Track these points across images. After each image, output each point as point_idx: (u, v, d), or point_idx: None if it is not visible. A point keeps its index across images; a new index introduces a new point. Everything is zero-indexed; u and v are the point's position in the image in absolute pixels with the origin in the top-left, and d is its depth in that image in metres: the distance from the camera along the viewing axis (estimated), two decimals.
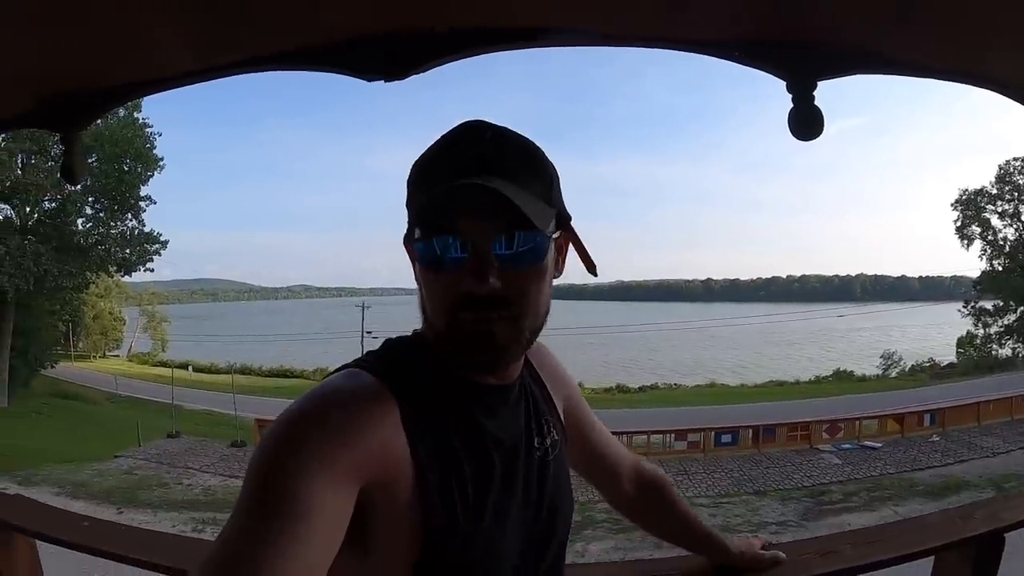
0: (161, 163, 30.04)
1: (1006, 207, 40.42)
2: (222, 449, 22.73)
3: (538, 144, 0.91)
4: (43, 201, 28.43)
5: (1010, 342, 42.19)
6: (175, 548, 1.88)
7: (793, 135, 1.29)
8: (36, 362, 31.21)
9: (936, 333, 67.06)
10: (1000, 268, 40.97)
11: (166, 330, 78.54)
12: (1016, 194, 40.03)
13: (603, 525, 12.80)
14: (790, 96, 1.28)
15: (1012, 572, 1.86)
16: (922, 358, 48.88)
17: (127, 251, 30.02)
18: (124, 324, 72.05)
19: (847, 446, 20.40)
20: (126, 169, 28.58)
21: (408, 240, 0.90)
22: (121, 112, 26.58)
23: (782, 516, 14.68)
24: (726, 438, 21.18)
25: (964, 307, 44.20)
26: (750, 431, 21.44)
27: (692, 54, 1.34)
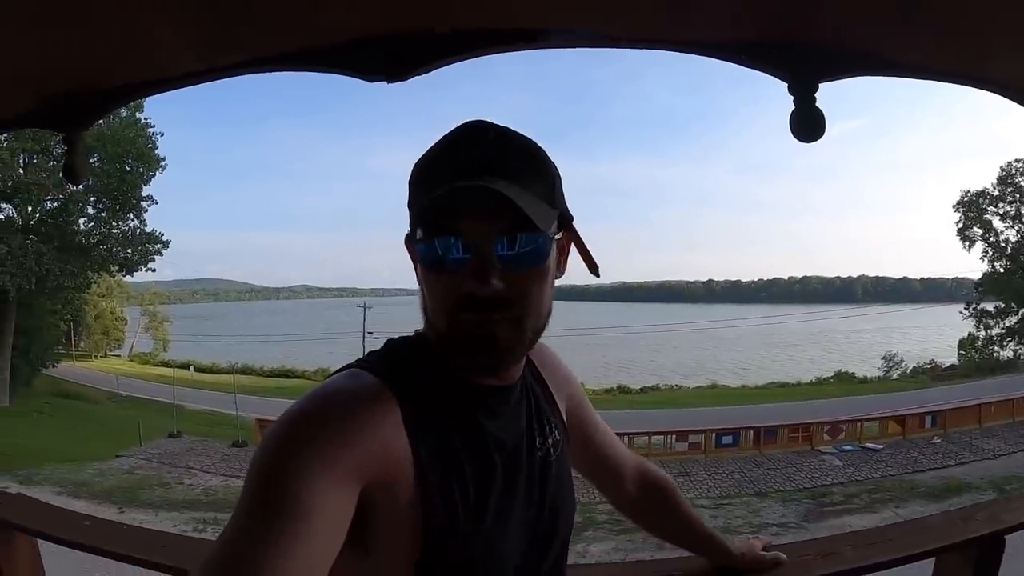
0: (163, 163, 30.11)
1: (1008, 209, 40.37)
2: (223, 449, 22.74)
3: (539, 145, 0.91)
4: (45, 201, 28.46)
5: (1011, 344, 42.11)
6: (176, 548, 1.88)
7: (795, 137, 1.29)
8: (38, 361, 31.27)
9: (937, 335, 67.02)
10: (1002, 270, 40.91)
11: (167, 330, 78.61)
12: (1018, 196, 39.98)
13: (604, 526, 12.80)
14: (792, 98, 1.28)
15: (1013, 574, 1.86)
16: (923, 360, 48.78)
17: (129, 251, 30.05)
18: (126, 324, 72.14)
19: (848, 448, 20.39)
20: (128, 169, 28.62)
21: (410, 241, 0.90)
22: (123, 112, 26.62)
23: (783, 517, 14.67)
24: (727, 439, 21.18)
25: (965, 309, 44.11)
26: (751, 432, 21.44)
27: (693, 56, 1.34)
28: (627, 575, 2.25)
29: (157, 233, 30.91)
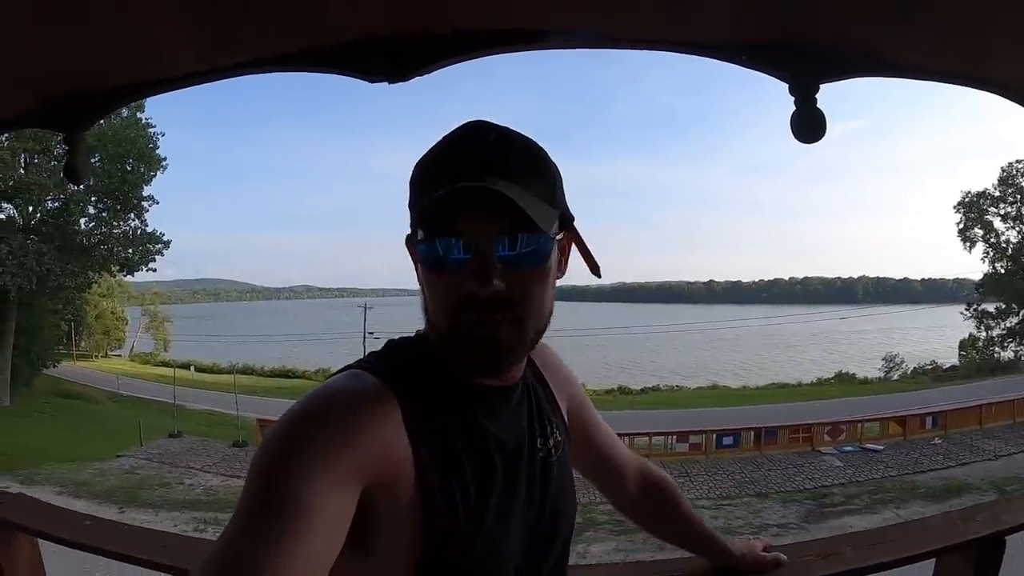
0: (164, 163, 30.14)
1: (1009, 210, 40.35)
2: (224, 449, 22.75)
3: (540, 145, 0.91)
4: (46, 200, 28.49)
5: (1012, 345, 42.10)
6: (177, 547, 1.88)
7: (796, 138, 1.29)
8: (38, 361, 31.31)
9: (938, 336, 67.04)
10: (1003, 271, 40.90)
11: (168, 330, 78.59)
12: (1019, 197, 39.95)
13: (604, 526, 12.80)
14: (792, 99, 1.28)
15: (1013, 575, 1.86)
16: (924, 361, 48.76)
17: (130, 251, 30.07)
18: (126, 324, 72.17)
19: (849, 448, 20.38)
20: (129, 169, 28.65)
21: (411, 241, 0.90)
22: (124, 112, 26.64)
23: (783, 518, 14.66)
24: (728, 440, 21.18)
25: (966, 310, 44.10)
26: (752, 433, 21.44)
27: (694, 57, 1.34)
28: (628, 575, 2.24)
29: (158, 233, 30.97)
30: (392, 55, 1.26)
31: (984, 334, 43.26)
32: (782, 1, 1.17)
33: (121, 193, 28.68)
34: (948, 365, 46.21)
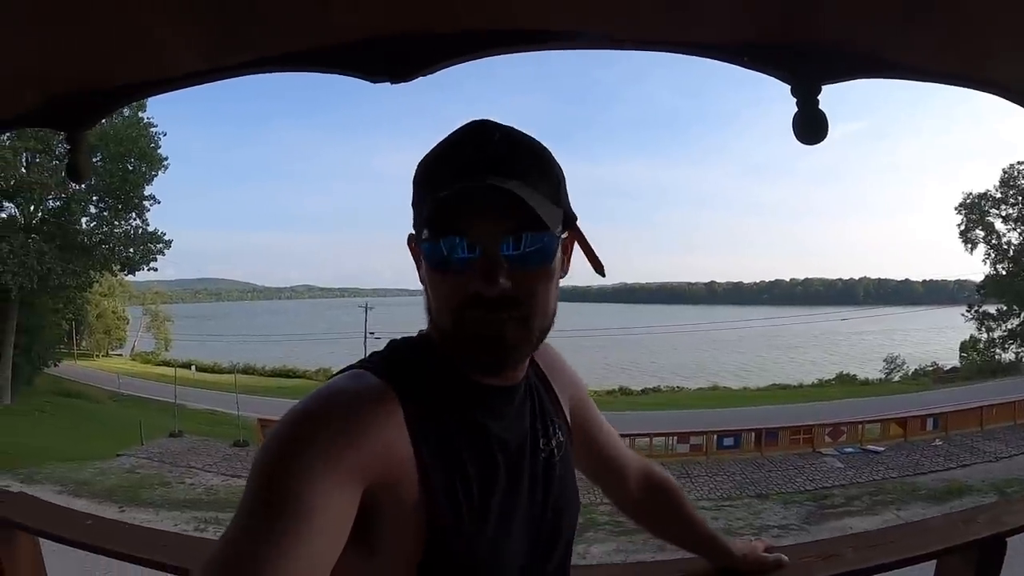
0: (165, 162, 30.22)
1: (1010, 211, 40.36)
2: (224, 448, 22.78)
3: (544, 145, 0.91)
4: (47, 200, 28.56)
5: (1013, 346, 42.09)
6: (178, 547, 1.88)
7: (797, 139, 1.29)
8: (39, 360, 31.35)
9: (939, 337, 66.89)
10: (1004, 272, 40.92)
11: (169, 329, 78.65)
12: (1020, 198, 39.95)
13: (605, 527, 12.81)
14: (794, 100, 1.28)
15: None
16: (925, 362, 48.73)
17: (131, 250, 30.15)
18: (127, 323, 72.23)
19: (850, 450, 20.38)
20: (130, 168, 28.74)
21: (415, 240, 0.90)
22: (126, 111, 26.71)
23: (784, 519, 14.66)
24: (728, 441, 21.20)
25: (967, 311, 44.08)
26: (752, 434, 21.46)
27: (696, 58, 1.34)
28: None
29: (159, 232, 31.07)
30: (395, 55, 1.26)
31: (985, 336, 43.25)
32: (784, 2, 1.17)
33: (122, 192, 28.77)
34: (949, 367, 46.20)
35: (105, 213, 29.77)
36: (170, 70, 1.40)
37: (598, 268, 0.96)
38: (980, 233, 41.29)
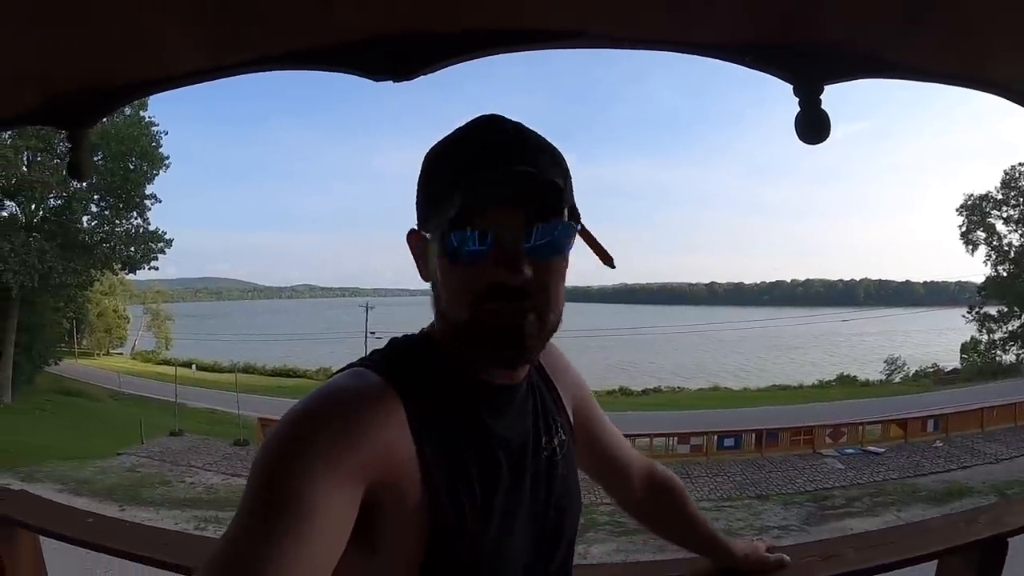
0: (167, 161, 30.19)
1: (1011, 212, 40.37)
2: (225, 447, 22.80)
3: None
4: (48, 198, 28.58)
5: (1014, 348, 42.12)
6: (178, 545, 1.88)
7: (800, 139, 1.28)
8: (40, 359, 31.36)
9: (940, 339, 66.91)
10: (1005, 274, 40.94)
11: (170, 328, 78.75)
12: (1021, 200, 39.95)
13: (605, 527, 12.81)
14: (796, 100, 1.28)
15: None
16: (926, 363, 48.75)
17: (132, 249, 30.18)
18: (128, 322, 72.32)
19: (850, 451, 20.38)
20: (132, 167, 28.77)
21: (423, 234, 0.89)
22: (127, 110, 26.74)
23: (784, 520, 14.66)
24: (729, 442, 21.20)
25: (968, 312, 44.10)
26: (753, 435, 21.47)
27: (698, 57, 1.34)
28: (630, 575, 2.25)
29: (160, 231, 31.06)
30: (397, 54, 1.26)
31: (986, 337, 43.30)
32: (784, 2, 1.17)
33: (124, 191, 28.80)
34: (950, 368, 46.25)
35: (106, 212, 29.80)
36: (172, 68, 1.39)
37: (607, 260, 0.94)
38: (981, 234, 41.33)
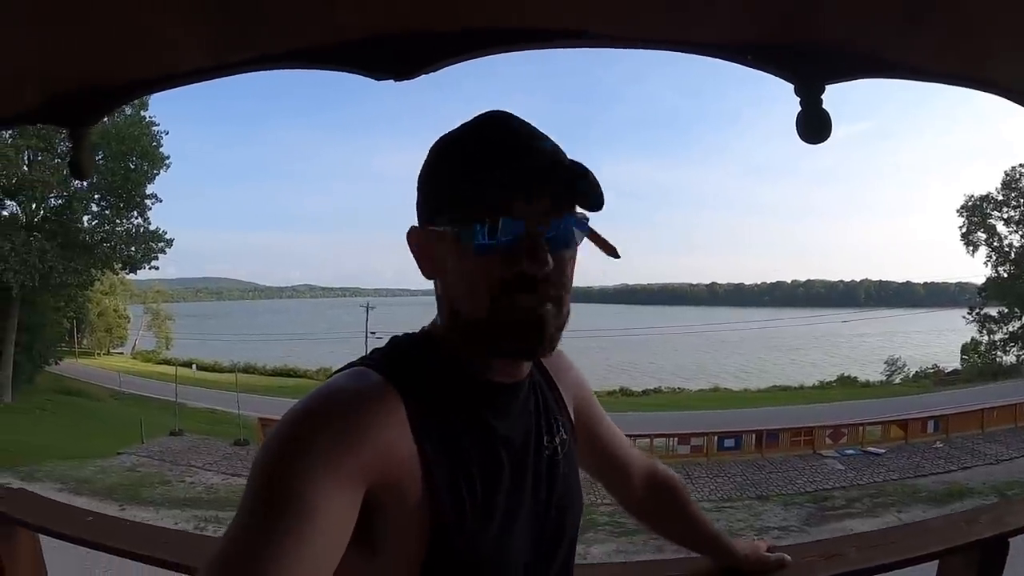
0: (167, 161, 30.21)
1: (1012, 213, 40.40)
2: (225, 447, 22.79)
3: None
4: (49, 198, 28.60)
5: (1015, 349, 42.15)
6: (179, 544, 1.87)
7: (801, 138, 1.29)
8: (40, 358, 31.39)
9: (940, 340, 66.86)
10: (1005, 275, 40.97)
11: (170, 328, 78.73)
12: (1022, 200, 39.96)
13: (605, 528, 12.81)
14: (798, 99, 1.28)
15: None
16: (926, 364, 48.77)
17: (132, 249, 30.22)
18: (129, 322, 72.35)
19: (851, 452, 20.38)
20: (132, 167, 28.80)
21: (434, 226, 0.87)
22: (128, 110, 26.78)
23: (784, 521, 14.66)
24: (729, 442, 21.20)
25: (969, 313, 44.13)
26: (753, 436, 21.46)
27: (699, 57, 1.34)
28: (631, 575, 2.25)
29: (161, 231, 31.09)
30: (399, 53, 1.26)
31: (986, 338, 43.34)
32: (787, 2, 1.17)
33: (124, 191, 28.83)
34: (950, 369, 46.29)
35: (107, 211, 29.84)
36: (174, 67, 1.39)
37: (612, 252, 0.94)
38: (982, 235, 41.37)
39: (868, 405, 31.26)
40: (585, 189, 0.82)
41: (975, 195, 41.55)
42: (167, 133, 29.99)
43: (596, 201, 0.83)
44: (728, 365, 62.44)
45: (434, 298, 0.94)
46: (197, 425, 27.19)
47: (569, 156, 0.88)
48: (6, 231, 25.70)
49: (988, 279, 42.18)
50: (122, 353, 68.89)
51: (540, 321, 0.83)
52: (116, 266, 31.75)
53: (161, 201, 31.04)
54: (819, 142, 1.28)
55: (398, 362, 0.88)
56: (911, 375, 47.78)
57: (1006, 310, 42.04)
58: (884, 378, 48.05)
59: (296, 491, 0.71)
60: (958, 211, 41.96)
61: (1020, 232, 40.31)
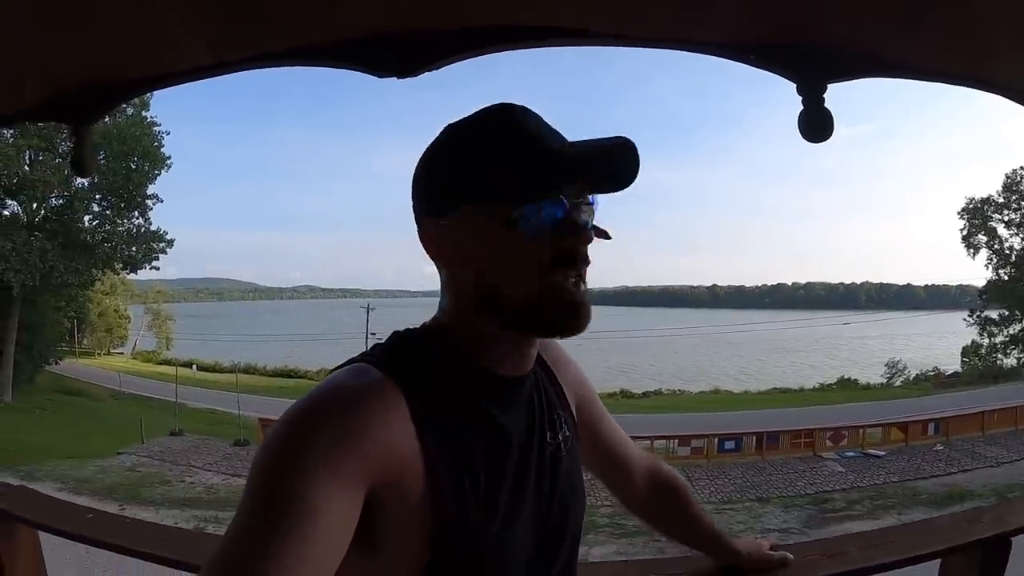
0: (168, 161, 30.22)
1: (1013, 216, 40.43)
2: (225, 448, 22.77)
3: None
4: (50, 197, 28.62)
5: (1015, 352, 42.10)
6: (179, 542, 1.87)
7: (803, 137, 1.29)
8: (41, 358, 31.37)
9: (941, 342, 66.82)
10: (1006, 277, 41.00)
11: (171, 328, 78.63)
12: (1023, 203, 39.97)
13: (605, 529, 12.79)
14: (800, 99, 1.28)
15: None
16: (927, 367, 48.76)
17: (133, 249, 30.22)
18: (129, 322, 72.30)
19: (851, 454, 20.35)
20: (133, 167, 28.80)
21: (473, 212, 0.86)
22: (129, 110, 26.82)
23: (785, 523, 14.63)
24: (729, 444, 21.18)
25: (969, 316, 44.13)
26: (754, 438, 21.44)
27: (701, 56, 1.35)
28: (633, 574, 2.24)
29: (162, 231, 31.10)
30: (401, 50, 1.27)
31: (987, 341, 43.33)
32: (788, 2, 1.18)
33: (125, 191, 28.84)
34: (951, 372, 46.26)
35: (108, 211, 29.84)
36: (176, 64, 1.40)
37: (603, 233, 0.91)
38: (983, 238, 41.40)
39: (868, 407, 31.26)
40: (632, 163, 0.86)
41: (976, 198, 41.68)
42: (168, 133, 30.04)
43: (632, 179, 0.87)
44: (728, 367, 62.45)
45: (434, 299, 0.94)
46: (197, 425, 27.18)
47: None
48: (7, 230, 25.72)
49: (989, 282, 42.21)
50: (122, 353, 68.86)
51: (581, 300, 0.86)
52: (117, 266, 31.73)
53: (162, 201, 31.08)
54: (821, 141, 1.29)
55: (399, 356, 0.87)
56: (911, 378, 47.77)
57: (1007, 313, 42.03)
58: (884, 380, 48.10)
59: (297, 491, 0.70)
60: (959, 214, 42.10)
61: (1021, 235, 40.33)
